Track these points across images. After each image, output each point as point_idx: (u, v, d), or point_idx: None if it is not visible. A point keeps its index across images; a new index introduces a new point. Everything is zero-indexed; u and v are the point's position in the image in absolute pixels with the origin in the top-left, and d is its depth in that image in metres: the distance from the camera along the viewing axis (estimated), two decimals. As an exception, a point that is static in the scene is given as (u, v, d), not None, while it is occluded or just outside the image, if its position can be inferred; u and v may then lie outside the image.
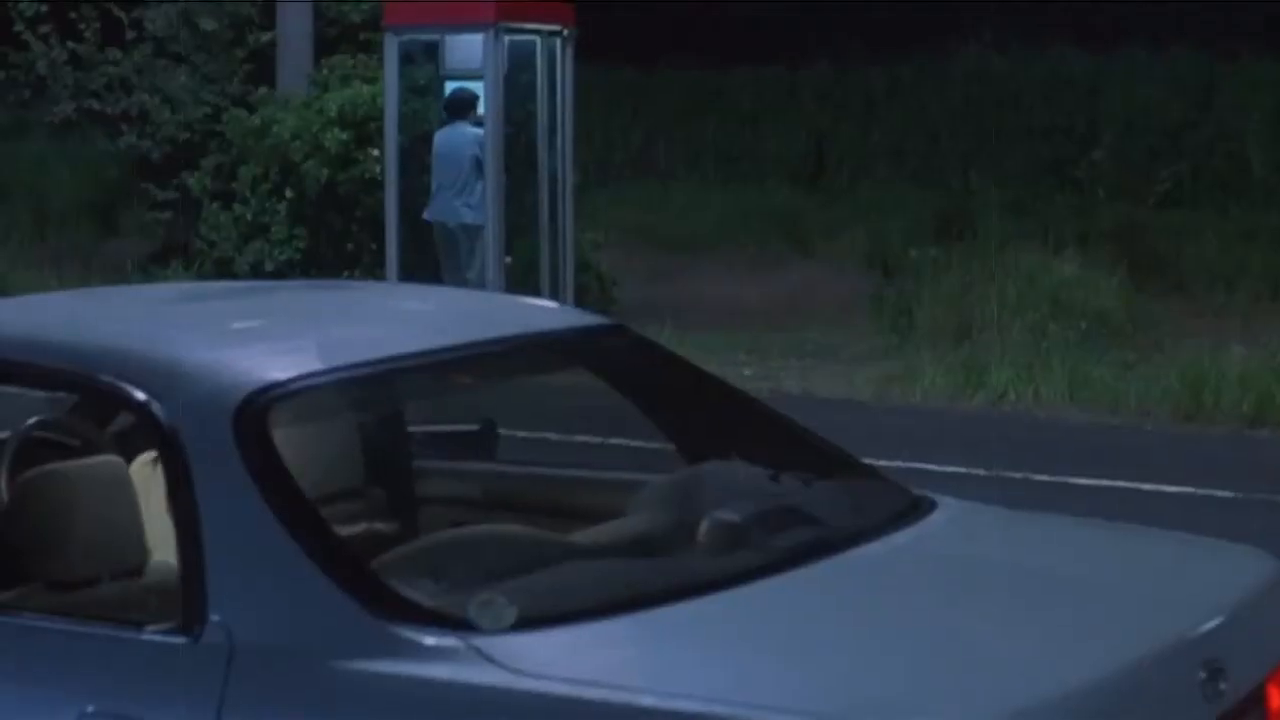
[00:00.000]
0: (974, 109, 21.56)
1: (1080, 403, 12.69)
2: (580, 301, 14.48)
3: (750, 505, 4.14)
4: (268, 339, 4.33)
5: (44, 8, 18.76)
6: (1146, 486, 10.12)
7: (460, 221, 15.28)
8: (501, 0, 14.83)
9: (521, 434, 6.06)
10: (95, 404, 4.97)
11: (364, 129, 16.50)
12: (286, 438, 3.87)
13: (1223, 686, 3.60)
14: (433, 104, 15.83)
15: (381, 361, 4.16)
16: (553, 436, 8.49)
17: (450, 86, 15.53)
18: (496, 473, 5.25)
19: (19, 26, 18.83)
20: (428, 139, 15.56)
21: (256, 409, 3.79)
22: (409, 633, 3.46)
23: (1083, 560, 4.24)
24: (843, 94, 23.13)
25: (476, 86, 15.13)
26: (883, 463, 5.06)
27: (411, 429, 5.22)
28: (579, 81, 15.63)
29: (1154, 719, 3.50)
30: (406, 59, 15.69)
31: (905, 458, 9.03)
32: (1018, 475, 10.16)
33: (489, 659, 3.38)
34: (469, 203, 15.18)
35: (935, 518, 4.27)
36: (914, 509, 4.29)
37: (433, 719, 3.39)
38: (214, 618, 3.57)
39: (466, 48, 15.28)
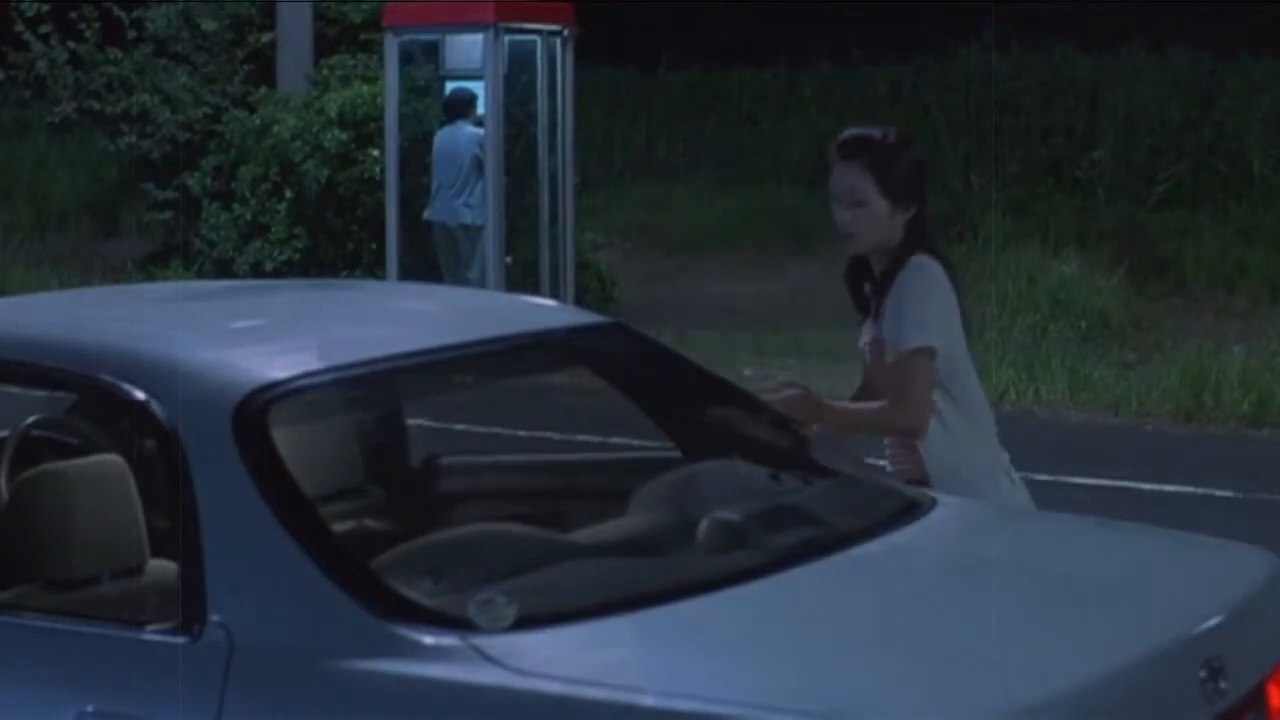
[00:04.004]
0: (974, 109, 21.54)
1: (1080, 403, 12.69)
2: (580, 301, 14.47)
3: (750, 505, 4.14)
4: (267, 338, 4.33)
5: (44, 8, 18.75)
6: (1146, 486, 10.11)
7: (460, 221, 15.28)
8: (501, 0, 14.83)
9: (522, 433, 6.07)
10: (94, 403, 4.97)
11: (364, 129, 16.50)
12: (286, 437, 3.86)
13: (1222, 685, 3.59)
14: (433, 104, 15.83)
15: (380, 360, 4.16)
16: (553, 436, 8.49)
17: (450, 86, 15.54)
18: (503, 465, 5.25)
19: (19, 26, 18.82)
20: (428, 139, 15.56)
21: (256, 408, 3.79)
22: (409, 632, 3.46)
23: (1082, 559, 4.23)
24: (843, 94, 23.10)
25: (476, 86, 15.14)
26: (883, 462, 5.06)
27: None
28: (579, 81, 15.61)
29: (1154, 718, 3.50)
30: (406, 59, 15.69)
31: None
32: (1017, 475, 10.13)
33: (489, 658, 3.38)
34: (469, 203, 15.18)
35: (935, 516, 4.27)
36: (914, 508, 4.28)
37: (432, 718, 3.38)
38: (214, 617, 3.57)
39: (466, 48, 15.28)
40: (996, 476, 5.01)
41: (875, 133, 5.10)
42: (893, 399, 4.94)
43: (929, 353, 4.90)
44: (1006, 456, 5.17)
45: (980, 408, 5.13)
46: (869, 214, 5.00)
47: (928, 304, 4.96)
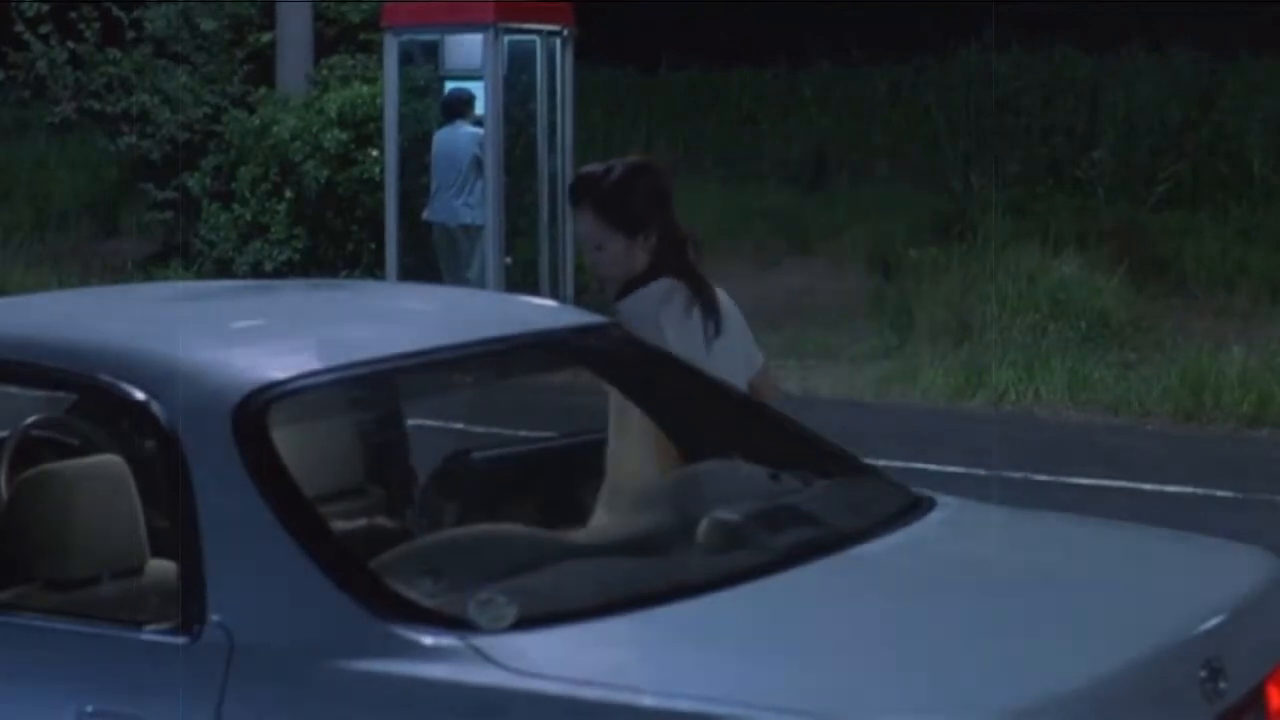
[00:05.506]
0: (974, 109, 21.54)
1: (1080, 403, 12.68)
2: (580, 301, 14.46)
3: (750, 504, 4.14)
4: (267, 338, 4.33)
5: (44, 8, 18.75)
6: (1146, 486, 10.11)
7: (460, 222, 15.28)
8: (501, 0, 14.83)
9: (523, 433, 6.06)
10: (94, 403, 4.96)
11: (364, 129, 16.50)
12: (285, 437, 3.86)
13: (1222, 685, 3.59)
14: (432, 104, 15.84)
15: (380, 361, 4.16)
16: (553, 435, 8.47)
17: (450, 86, 15.54)
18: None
19: (19, 26, 18.82)
20: (427, 139, 15.56)
21: (255, 408, 3.79)
22: (408, 632, 3.46)
23: (1082, 559, 4.23)
24: (843, 94, 23.11)
25: (476, 86, 15.14)
26: (883, 462, 5.06)
27: None
28: (579, 81, 15.61)
29: (1154, 718, 3.50)
30: (406, 59, 15.69)
31: (905, 457, 9.02)
32: (1018, 475, 10.14)
33: (488, 658, 3.38)
34: (469, 203, 15.18)
35: (935, 516, 4.27)
36: (914, 508, 4.28)
37: (432, 719, 3.38)
38: (214, 617, 3.57)
39: (466, 48, 15.28)
40: None
41: (597, 171, 5.07)
42: None
43: None
44: None
45: None
46: (610, 254, 5.04)
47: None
